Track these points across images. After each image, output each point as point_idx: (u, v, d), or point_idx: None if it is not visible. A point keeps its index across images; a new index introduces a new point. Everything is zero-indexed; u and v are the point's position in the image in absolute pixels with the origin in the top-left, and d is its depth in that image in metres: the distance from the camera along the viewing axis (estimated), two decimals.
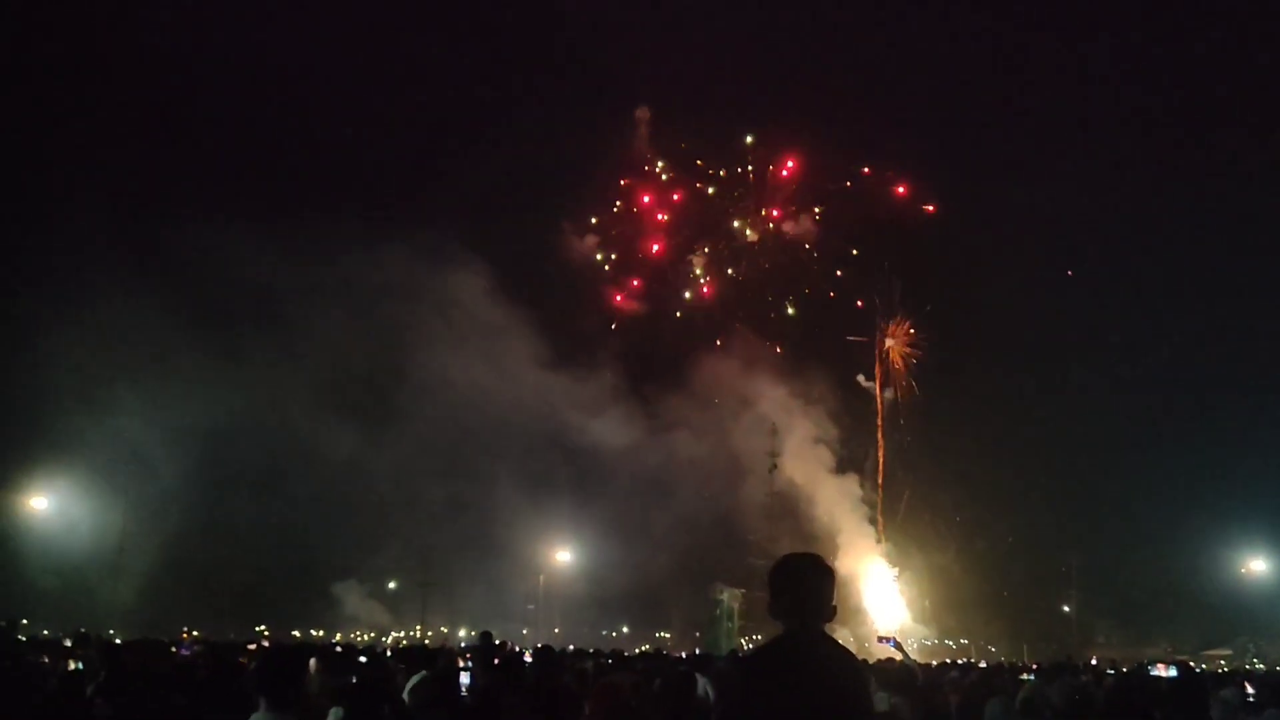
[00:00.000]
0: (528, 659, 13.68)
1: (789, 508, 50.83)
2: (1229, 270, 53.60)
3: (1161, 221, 53.11)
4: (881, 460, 54.81)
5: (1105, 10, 59.15)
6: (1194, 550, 48.97)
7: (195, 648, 21.35)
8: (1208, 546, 48.22)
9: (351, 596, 51.80)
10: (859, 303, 56.99)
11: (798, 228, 58.46)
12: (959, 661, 33.15)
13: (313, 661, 6.27)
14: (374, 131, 59.73)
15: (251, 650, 18.40)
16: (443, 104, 60.90)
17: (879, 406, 55.17)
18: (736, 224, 60.01)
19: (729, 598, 50.28)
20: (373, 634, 51.61)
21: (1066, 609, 53.55)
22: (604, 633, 56.06)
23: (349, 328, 48.42)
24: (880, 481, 54.48)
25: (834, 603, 4.20)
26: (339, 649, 22.69)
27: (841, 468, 51.90)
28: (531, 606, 53.65)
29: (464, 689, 9.70)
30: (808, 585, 4.11)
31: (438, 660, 12.65)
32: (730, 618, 50.07)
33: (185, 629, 40.51)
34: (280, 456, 47.96)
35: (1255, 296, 53.49)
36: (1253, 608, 48.51)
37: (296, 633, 51.84)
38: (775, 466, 50.37)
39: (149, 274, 45.10)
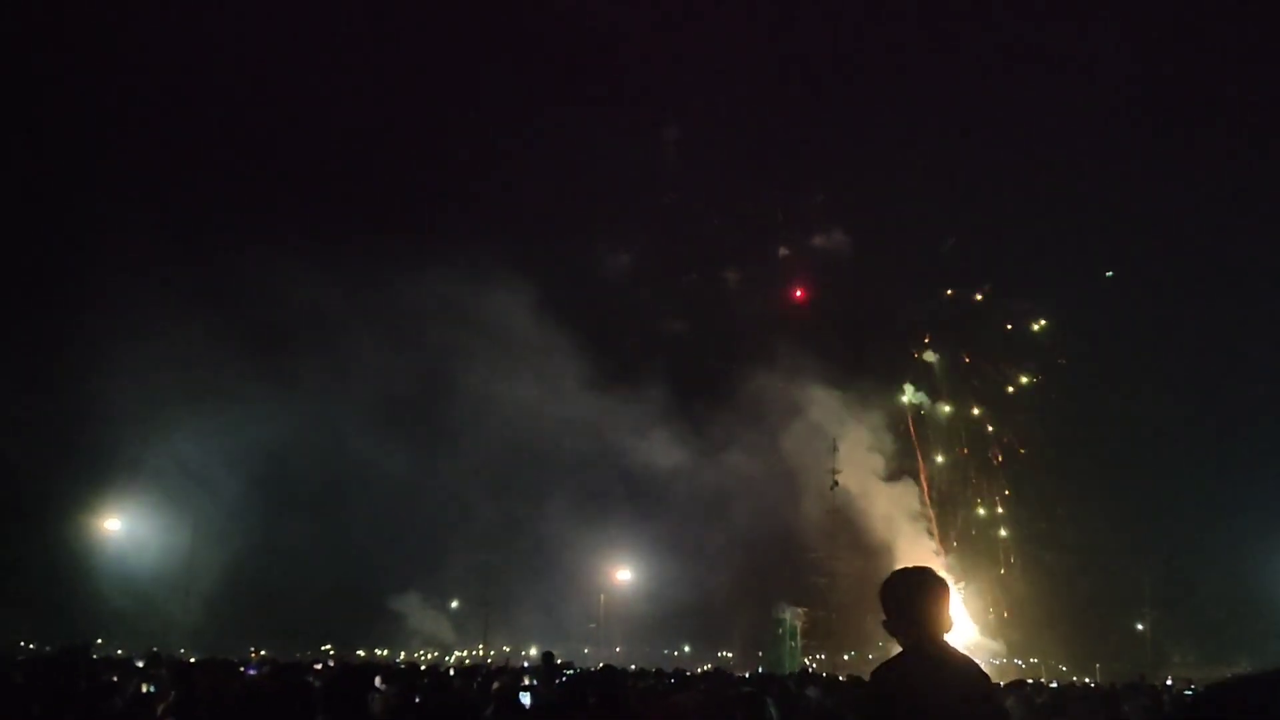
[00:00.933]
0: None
1: (847, 522, 50.28)
2: None
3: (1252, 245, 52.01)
4: (923, 471, 54.15)
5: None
6: (1274, 566, 47.35)
7: (263, 668, 21.58)
8: None
9: (414, 611, 52.37)
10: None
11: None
12: (1029, 681, 32.33)
13: (378, 680, 6.29)
14: (421, 155, 60.31)
15: (318, 670, 18.54)
16: (486, 125, 61.63)
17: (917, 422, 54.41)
18: None
19: (791, 616, 49.77)
20: (436, 653, 51.94)
21: (1140, 627, 52.12)
22: (666, 652, 55.81)
23: (403, 349, 49.29)
24: (926, 492, 53.76)
25: (950, 614, 4.21)
26: (403, 667, 22.82)
27: (895, 477, 51.43)
28: (593, 625, 53.60)
29: (527, 708, 9.67)
30: (925, 598, 4.09)
31: (500, 679, 12.65)
32: (793, 636, 49.53)
33: (253, 649, 41.16)
34: (340, 477, 49.09)
35: None
36: None
37: (361, 651, 52.35)
38: (836, 484, 49.77)
39: (209, 300, 46.69)
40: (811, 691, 12.78)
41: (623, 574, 51.43)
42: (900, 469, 53.85)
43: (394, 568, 51.24)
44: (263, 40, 54.71)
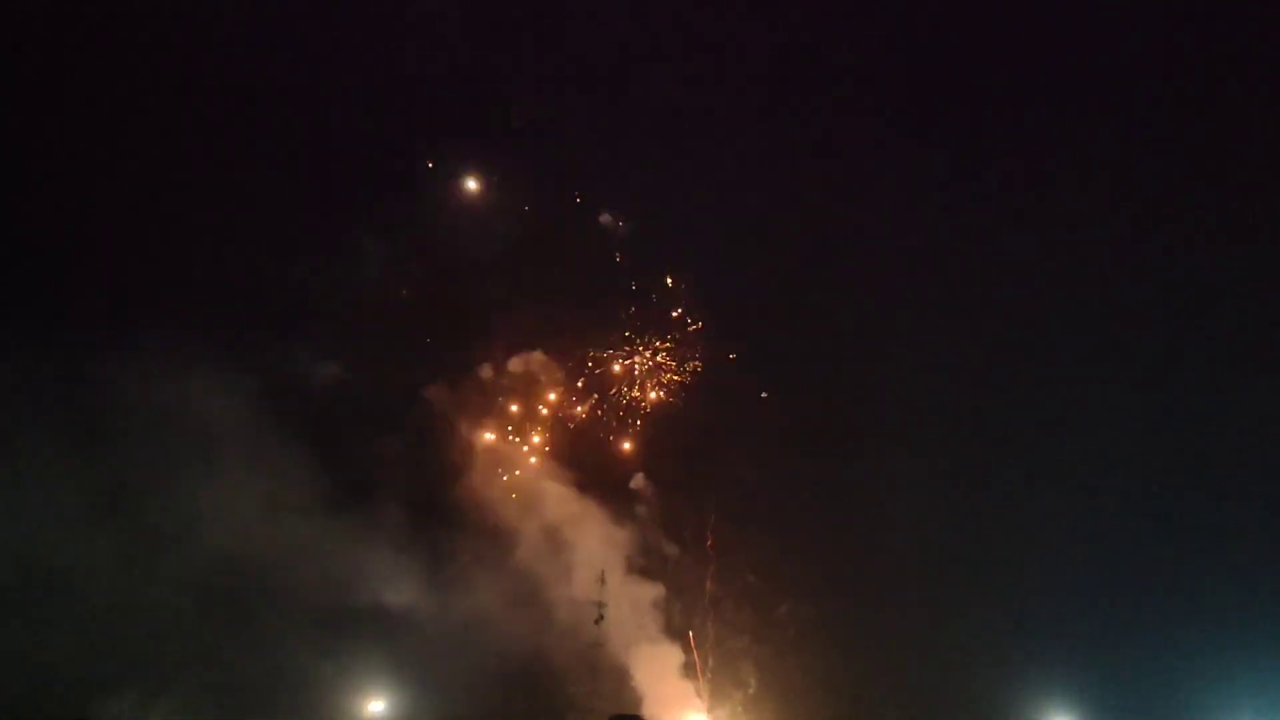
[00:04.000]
0: None
1: (610, 661, 50.14)
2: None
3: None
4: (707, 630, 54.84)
5: None
6: (1005, 710, 49.34)
7: None
8: (1017, 705, 48.79)
9: None
10: None
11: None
12: None
13: None
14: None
15: None
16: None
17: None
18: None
19: None
20: None
21: None
22: None
23: (102, 447, 48.09)
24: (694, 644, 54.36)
25: None
26: None
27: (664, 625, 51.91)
28: None
29: None
30: None
31: None
32: None
33: None
34: (39, 583, 46.93)
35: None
36: None
37: None
38: (602, 617, 49.80)
39: None
40: None
41: (375, 706, 49.45)
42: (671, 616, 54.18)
43: (105, 689, 47.99)
44: None
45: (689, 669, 51.98)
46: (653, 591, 53.13)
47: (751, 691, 51.72)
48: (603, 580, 50.37)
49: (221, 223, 54.96)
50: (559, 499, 54.21)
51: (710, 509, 54.34)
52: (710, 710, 51.05)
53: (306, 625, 48.75)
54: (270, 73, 55.40)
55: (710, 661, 52.35)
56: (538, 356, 57.67)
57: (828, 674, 50.66)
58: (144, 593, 47.63)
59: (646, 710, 50.18)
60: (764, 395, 55.33)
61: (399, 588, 50.39)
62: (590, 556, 52.39)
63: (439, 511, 53.41)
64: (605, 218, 59.26)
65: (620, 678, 50.83)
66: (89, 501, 47.80)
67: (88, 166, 53.05)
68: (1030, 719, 49.07)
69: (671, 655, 52.11)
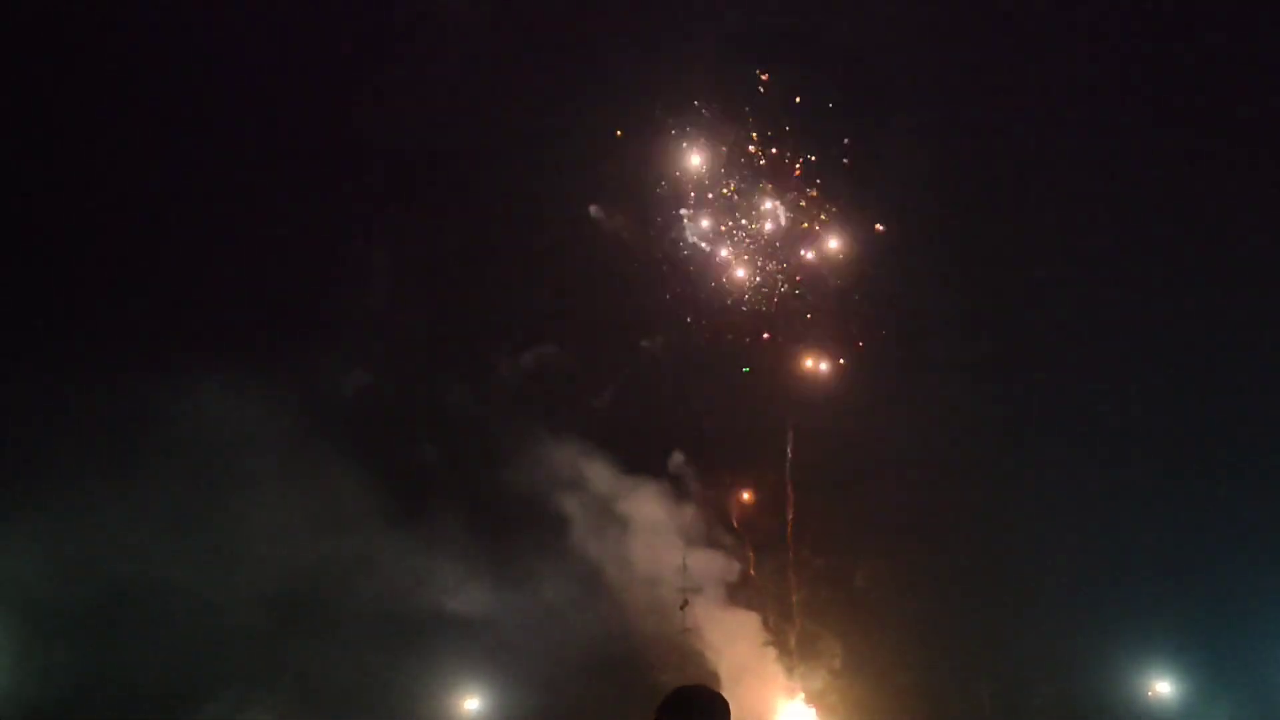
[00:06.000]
0: None
1: (697, 646, 50.17)
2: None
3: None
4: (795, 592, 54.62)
5: None
6: (1102, 676, 49.51)
7: None
8: (1115, 672, 48.88)
9: None
10: None
11: None
12: None
13: None
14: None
15: None
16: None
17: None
18: None
19: None
20: None
21: None
22: None
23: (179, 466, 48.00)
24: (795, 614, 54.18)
25: None
26: None
27: (746, 598, 51.75)
28: None
29: None
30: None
31: None
32: None
33: None
34: (173, 608, 47.23)
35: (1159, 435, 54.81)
36: None
37: None
38: (687, 603, 49.74)
39: None
40: None
41: (471, 703, 49.77)
42: (754, 586, 54.10)
43: (218, 705, 48.38)
44: None
45: (777, 647, 52.03)
46: (733, 570, 52.93)
47: (839, 666, 51.85)
48: (685, 566, 50.13)
49: (256, 233, 54.55)
50: (625, 483, 53.67)
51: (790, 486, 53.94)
52: (802, 688, 51.31)
53: (387, 631, 49.12)
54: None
55: (796, 640, 52.43)
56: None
57: (920, 650, 50.54)
58: (222, 606, 48.00)
59: (735, 689, 50.29)
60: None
61: (473, 588, 50.26)
62: (667, 539, 52.14)
63: (501, 508, 53.11)
64: None
65: (706, 662, 50.86)
66: (159, 520, 47.99)
67: (128, 185, 52.47)
68: (1129, 685, 49.20)
69: (757, 634, 52.04)
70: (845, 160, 55.08)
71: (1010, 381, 54.90)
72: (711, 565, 52.11)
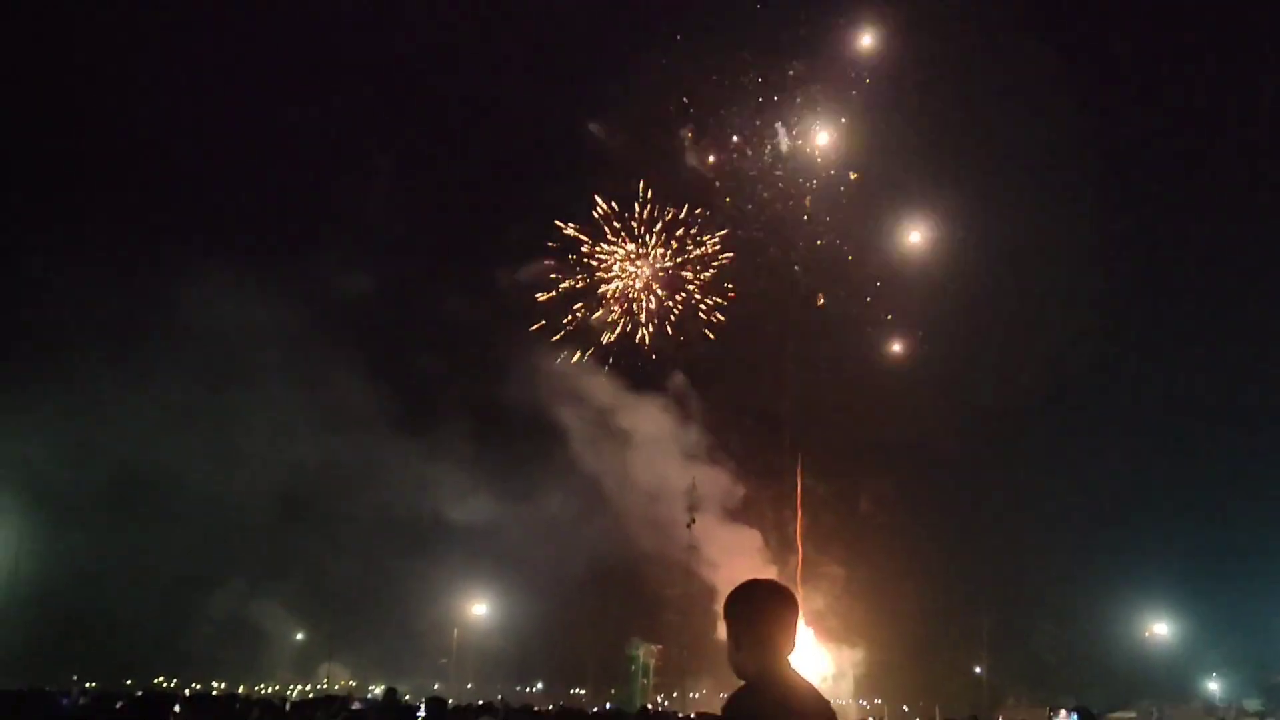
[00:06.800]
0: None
1: (702, 562, 50.80)
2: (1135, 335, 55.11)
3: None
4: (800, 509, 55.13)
5: None
6: (1101, 615, 50.33)
7: (81, 699, 20.52)
8: (1114, 611, 49.62)
9: (254, 641, 50.90)
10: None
11: None
12: None
13: (176, 708, 6.05)
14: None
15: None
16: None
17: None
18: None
19: (644, 653, 49.79)
20: (276, 686, 50.18)
21: (978, 670, 54.10)
22: (518, 689, 55.25)
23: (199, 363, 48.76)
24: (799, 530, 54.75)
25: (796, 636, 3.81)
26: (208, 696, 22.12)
27: (754, 514, 52.32)
28: (444, 661, 52.62)
29: None
30: (777, 615, 3.74)
31: (331, 707, 12.33)
32: (646, 674, 49.56)
33: (76, 678, 39.15)
34: (157, 492, 48.22)
35: (1164, 379, 54.98)
36: (1156, 671, 49.74)
37: (197, 685, 50.13)
38: (694, 520, 50.22)
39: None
40: None
41: (478, 608, 50.65)
42: (756, 509, 54.63)
43: (227, 592, 49.44)
44: None
45: (779, 568, 52.63)
46: (739, 489, 53.40)
47: (840, 590, 52.54)
48: (694, 486, 50.54)
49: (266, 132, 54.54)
50: (635, 401, 53.88)
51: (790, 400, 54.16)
52: (802, 608, 51.93)
53: (394, 533, 49.92)
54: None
55: (799, 562, 53.03)
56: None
57: (921, 580, 51.12)
58: (231, 499, 48.92)
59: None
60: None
61: (482, 497, 50.66)
62: (673, 457, 52.54)
63: (509, 420, 53.52)
64: None
65: (712, 576, 51.43)
66: (168, 411, 48.85)
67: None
68: (1127, 625, 49.85)
69: (759, 553, 52.62)
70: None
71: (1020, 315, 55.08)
72: (716, 484, 52.53)
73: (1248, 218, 53.84)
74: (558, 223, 54.20)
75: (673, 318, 56.39)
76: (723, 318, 54.51)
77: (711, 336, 55.32)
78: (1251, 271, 53.79)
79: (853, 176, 54.12)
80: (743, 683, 3.73)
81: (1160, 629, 49.23)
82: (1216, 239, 54.73)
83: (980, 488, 53.53)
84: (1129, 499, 51.88)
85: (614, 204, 55.02)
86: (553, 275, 56.37)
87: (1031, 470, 53.93)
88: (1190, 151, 54.17)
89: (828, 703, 3.76)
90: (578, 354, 54.85)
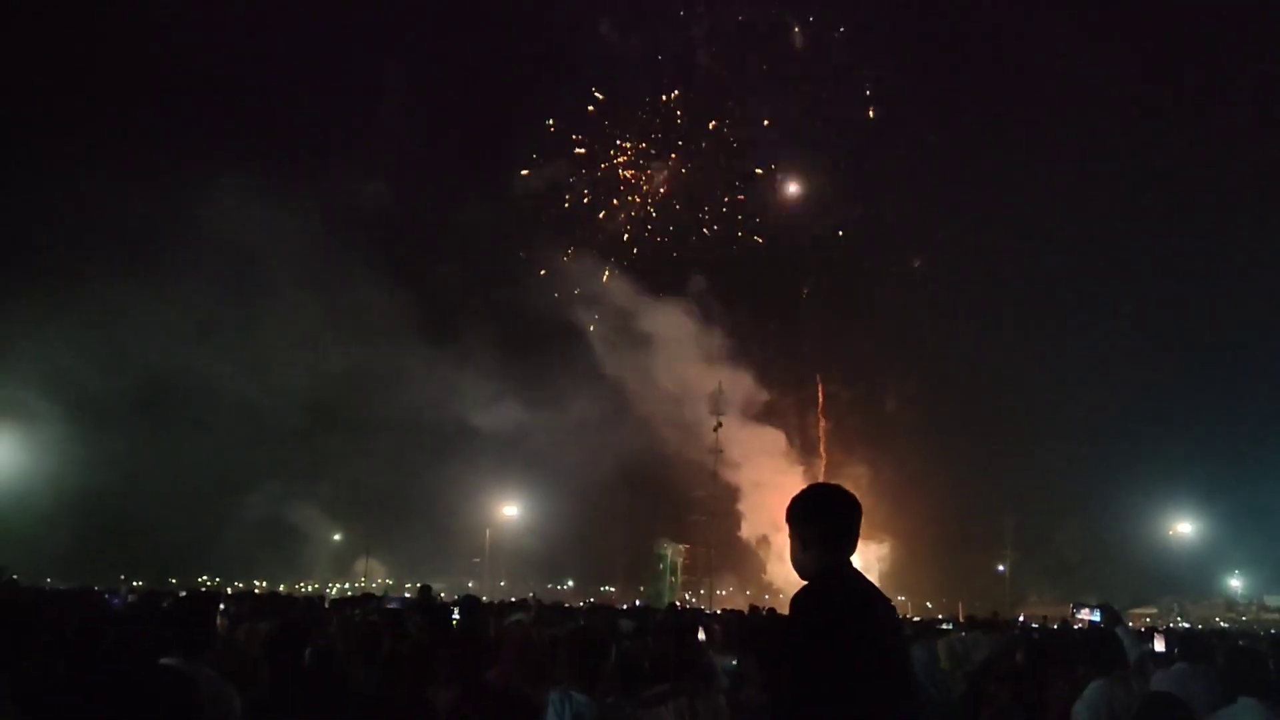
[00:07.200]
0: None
1: (726, 464, 51.44)
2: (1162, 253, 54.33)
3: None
4: (821, 413, 55.55)
5: None
6: (1124, 514, 50.54)
7: (130, 597, 21.15)
8: (1138, 510, 49.82)
9: (292, 543, 52.36)
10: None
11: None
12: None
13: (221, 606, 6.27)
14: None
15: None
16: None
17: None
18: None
19: (672, 552, 50.82)
20: (315, 586, 51.65)
21: (1001, 568, 54.80)
22: (550, 586, 56.51)
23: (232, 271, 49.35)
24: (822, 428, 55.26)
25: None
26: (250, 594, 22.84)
27: (777, 418, 52.76)
28: (477, 560, 53.85)
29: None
30: (849, 517, 3.75)
31: (367, 606, 12.70)
32: (673, 572, 50.66)
33: (123, 577, 40.42)
34: (198, 400, 49.12)
35: (1187, 278, 54.32)
36: (1178, 569, 50.16)
37: (239, 583, 51.69)
38: (720, 425, 50.68)
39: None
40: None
41: (510, 509, 51.65)
42: (779, 408, 55.03)
43: (264, 495, 50.52)
44: None
45: (805, 462, 53.25)
46: (763, 394, 53.71)
47: (864, 488, 53.07)
48: (720, 390, 50.83)
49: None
50: (652, 306, 53.91)
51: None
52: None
53: (424, 439, 50.55)
54: None
55: (824, 464, 53.60)
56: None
57: (946, 478, 51.52)
58: (259, 406, 49.56)
59: (759, 506, 51.72)
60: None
61: (509, 402, 51.18)
62: (697, 360, 52.79)
63: (534, 325, 53.78)
64: None
65: (735, 478, 52.12)
66: (195, 320, 49.75)
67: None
68: (1151, 524, 50.12)
69: (784, 454, 53.16)
70: None
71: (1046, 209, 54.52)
72: (739, 387, 52.79)
73: None
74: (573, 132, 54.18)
75: (705, 213, 56.45)
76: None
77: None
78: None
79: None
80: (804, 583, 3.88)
81: (1183, 527, 49.53)
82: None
83: (1003, 387, 53.43)
84: (1152, 397, 51.58)
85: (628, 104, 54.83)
86: (571, 178, 56.35)
87: (1054, 369, 53.70)
88: None
89: (888, 599, 3.91)
90: (599, 258, 54.96)
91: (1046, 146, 53.63)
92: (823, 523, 3.79)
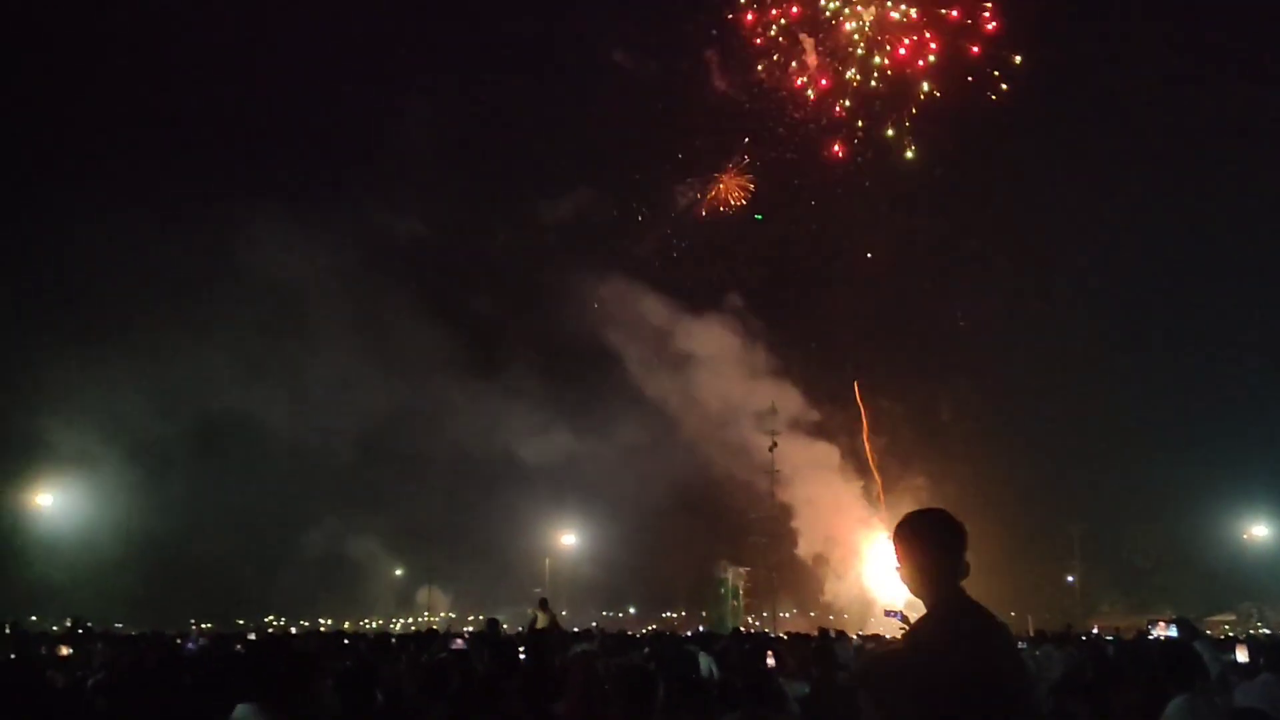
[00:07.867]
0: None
1: (784, 483, 50.95)
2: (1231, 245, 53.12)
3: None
4: (866, 427, 54.95)
5: None
6: (1197, 518, 49.19)
7: (200, 640, 21.51)
8: (1210, 514, 48.32)
9: (355, 581, 52.83)
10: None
11: None
12: None
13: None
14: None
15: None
16: None
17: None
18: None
19: (733, 576, 50.48)
20: (380, 621, 52.06)
21: (1070, 578, 53.65)
22: (609, 614, 56.43)
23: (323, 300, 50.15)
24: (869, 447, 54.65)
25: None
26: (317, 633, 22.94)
27: (826, 434, 52.25)
28: (538, 590, 53.80)
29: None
30: (959, 545, 3.78)
31: (433, 645, 12.79)
32: (735, 595, 50.30)
33: (194, 621, 41.07)
34: (263, 443, 49.83)
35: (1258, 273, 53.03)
36: (1255, 573, 48.66)
37: (305, 622, 52.24)
38: (775, 445, 50.28)
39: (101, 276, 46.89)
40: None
41: (568, 538, 51.74)
42: (833, 424, 54.50)
43: (322, 532, 51.15)
44: None
45: (862, 481, 52.60)
46: (813, 412, 53.28)
47: (924, 501, 52.21)
48: (774, 409, 50.47)
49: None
50: (692, 325, 53.66)
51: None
52: (884, 523, 51.97)
53: (476, 471, 50.81)
54: None
55: (881, 478, 52.92)
56: None
57: (1009, 487, 50.60)
58: (313, 445, 50.33)
59: (819, 524, 51.18)
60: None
61: (559, 431, 51.24)
62: (741, 378, 52.48)
63: (577, 356, 53.91)
64: None
65: (790, 497, 51.64)
66: (247, 364, 50.11)
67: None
68: (1224, 527, 48.81)
69: (840, 471, 52.56)
70: None
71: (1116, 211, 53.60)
72: (789, 404, 52.33)
73: None
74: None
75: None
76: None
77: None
78: None
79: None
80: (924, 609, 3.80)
81: (1259, 530, 48.11)
82: None
83: (1066, 393, 52.50)
84: (1224, 396, 50.42)
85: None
86: (600, 202, 56.73)
87: (1118, 371, 52.64)
88: None
89: (1006, 627, 3.84)
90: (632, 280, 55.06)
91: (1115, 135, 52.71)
92: (931, 550, 3.72)
